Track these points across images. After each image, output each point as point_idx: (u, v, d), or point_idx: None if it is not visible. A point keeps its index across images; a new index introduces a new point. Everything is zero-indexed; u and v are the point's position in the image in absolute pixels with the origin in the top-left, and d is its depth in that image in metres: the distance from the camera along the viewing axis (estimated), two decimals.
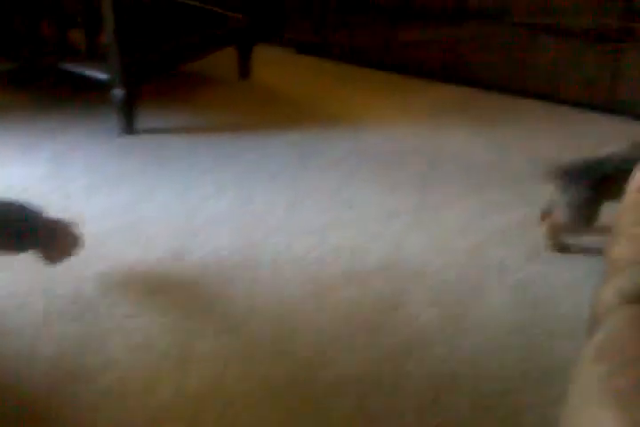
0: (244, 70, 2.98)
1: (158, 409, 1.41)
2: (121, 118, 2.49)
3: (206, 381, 1.48)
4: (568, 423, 0.85)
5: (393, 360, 1.55)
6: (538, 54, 2.79)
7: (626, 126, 2.58)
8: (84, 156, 2.38)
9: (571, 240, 1.92)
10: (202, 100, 2.82)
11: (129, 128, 2.50)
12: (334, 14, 3.10)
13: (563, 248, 1.91)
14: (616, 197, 1.44)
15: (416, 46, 2.98)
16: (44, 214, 1.58)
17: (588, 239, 1.90)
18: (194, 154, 2.42)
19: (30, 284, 1.75)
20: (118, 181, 2.23)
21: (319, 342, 1.60)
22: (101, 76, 2.45)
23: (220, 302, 1.74)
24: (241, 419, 1.40)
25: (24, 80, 2.84)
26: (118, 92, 2.44)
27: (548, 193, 1.89)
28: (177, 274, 1.83)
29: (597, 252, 1.73)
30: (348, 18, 3.08)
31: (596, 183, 1.78)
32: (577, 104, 2.78)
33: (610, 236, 1.27)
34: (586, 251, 1.90)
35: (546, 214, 1.93)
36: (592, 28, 2.62)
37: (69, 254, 1.63)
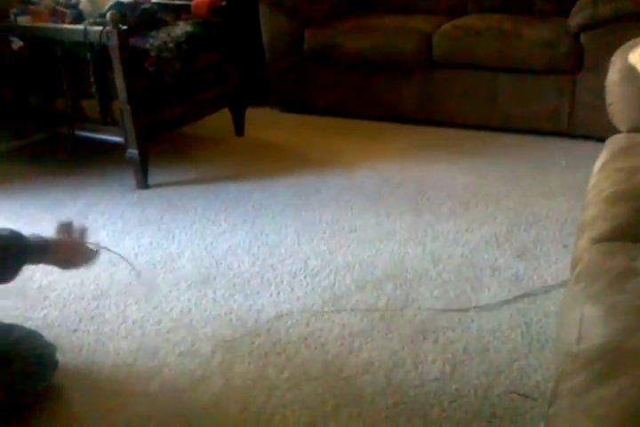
0: (239, 129, 3.29)
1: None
2: (136, 175, 2.76)
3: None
4: (560, 322, 1.09)
5: (410, 344, 1.77)
6: (500, 91, 3.14)
7: (587, 148, 2.90)
8: (106, 209, 2.62)
9: None
10: (204, 155, 3.11)
11: (144, 183, 2.77)
12: (311, 74, 3.45)
13: None
14: None
15: (390, 94, 3.33)
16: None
17: None
18: (204, 200, 2.68)
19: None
20: (142, 227, 2.47)
21: (343, 336, 1.81)
22: (116, 139, 2.74)
23: (250, 312, 1.95)
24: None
25: (43, 150, 3.12)
26: (133, 153, 2.72)
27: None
28: (208, 295, 2.05)
29: None
30: (323, 75, 3.44)
31: None
32: (540, 132, 3.12)
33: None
34: None
35: None
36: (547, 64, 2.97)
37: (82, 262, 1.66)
